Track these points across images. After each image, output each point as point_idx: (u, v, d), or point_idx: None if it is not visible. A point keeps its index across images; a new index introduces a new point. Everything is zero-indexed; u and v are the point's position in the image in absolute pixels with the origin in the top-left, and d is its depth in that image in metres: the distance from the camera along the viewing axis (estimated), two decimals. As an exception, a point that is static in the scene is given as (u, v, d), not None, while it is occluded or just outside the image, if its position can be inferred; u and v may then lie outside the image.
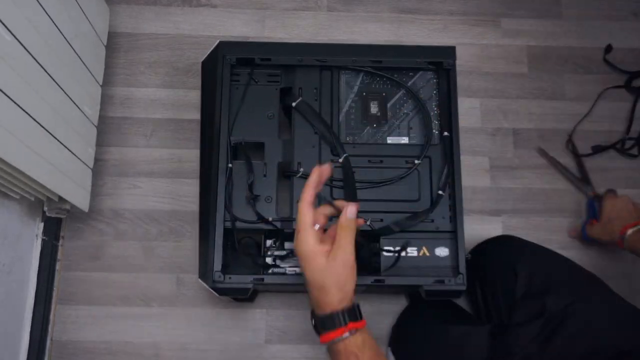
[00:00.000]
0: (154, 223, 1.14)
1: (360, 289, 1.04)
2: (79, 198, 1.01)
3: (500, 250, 1.01)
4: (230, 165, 0.95)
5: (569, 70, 1.27)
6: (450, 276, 0.92)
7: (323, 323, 0.67)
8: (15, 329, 0.98)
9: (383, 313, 1.11)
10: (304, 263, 0.67)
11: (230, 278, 0.91)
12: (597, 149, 1.21)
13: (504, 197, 1.18)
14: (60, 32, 0.93)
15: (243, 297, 0.94)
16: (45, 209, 1.00)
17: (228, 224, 0.94)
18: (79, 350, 1.08)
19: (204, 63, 1.04)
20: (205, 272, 0.92)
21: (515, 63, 1.27)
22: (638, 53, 1.28)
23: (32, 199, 0.94)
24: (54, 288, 1.09)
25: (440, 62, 1.01)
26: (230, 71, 0.99)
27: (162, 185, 1.16)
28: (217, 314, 1.09)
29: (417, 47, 1.04)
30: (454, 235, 0.95)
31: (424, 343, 0.95)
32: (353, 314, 0.67)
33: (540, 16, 1.30)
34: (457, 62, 1.25)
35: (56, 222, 1.10)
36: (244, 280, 0.91)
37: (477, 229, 1.16)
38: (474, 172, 1.20)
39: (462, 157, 1.20)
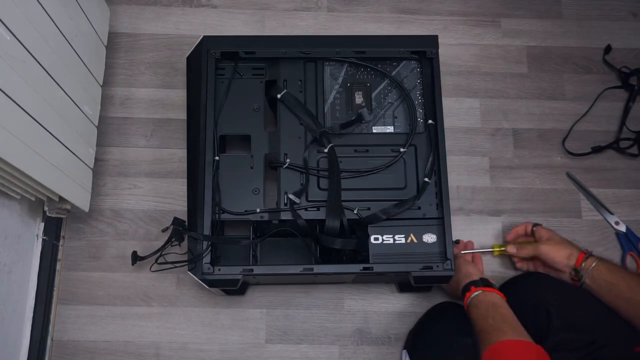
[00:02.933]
0: (154, 223, 1.14)
1: (349, 278, 1.05)
2: (80, 198, 1.01)
3: (530, 287, 1.01)
4: (217, 158, 0.96)
5: (569, 70, 1.27)
6: (439, 262, 0.93)
7: (465, 288, 0.96)
8: (15, 328, 0.99)
9: (381, 313, 1.12)
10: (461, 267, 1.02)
11: (219, 270, 0.92)
12: (597, 149, 1.21)
13: (503, 197, 1.19)
14: (61, 32, 0.94)
15: (233, 288, 0.95)
16: (46, 209, 1.00)
17: (218, 217, 0.95)
18: (79, 350, 1.08)
19: (188, 58, 1.04)
20: (194, 264, 0.92)
21: (515, 63, 1.27)
22: (637, 53, 1.28)
23: (33, 199, 0.94)
24: (55, 288, 1.09)
25: (423, 51, 1.02)
26: (215, 65, 1.00)
27: (162, 185, 1.16)
28: (217, 314, 1.09)
29: (400, 36, 1.05)
30: (441, 222, 0.95)
31: (442, 354, 0.95)
32: (482, 282, 0.95)
33: (540, 16, 1.30)
34: (457, 62, 1.26)
35: (57, 222, 1.10)
36: (233, 271, 0.92)
37: (477, 228, 1.16)
38: (474, 172, 1.20)
39: (461, 157, 1.21)
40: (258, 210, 0.96)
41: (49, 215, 1.01)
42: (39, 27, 0.86)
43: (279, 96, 0.99)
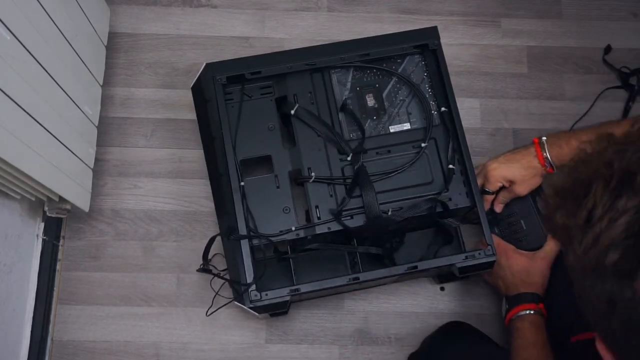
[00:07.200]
0: (155, 223, 1.14)
1: (393, 280, 1.05)
2: (80, 198, 1.01)
3: None
4: (242, 183, 0.96)
5: (569, 70, 1.27)
6: (480, 250, 0.94)
7: (522, 298, 0.93)
8: (15, 328, 0.99)
9: (381, 313, 1.12)
10: (509, 262, 0.98)
11: (266, 294, 0.90)
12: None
13: (504, 197, 1.19)
14: (61, 32, 0.94)
15: (282, 310, 0.94)
16: (46, 208, 1.00)
17: (253, 242, 0.94)
18: (79, 350, 1.08)
19: (193, 88, 1.03)
20: (240, 294, 0.91)
21: (515, 63, 1.27)
22: (637, 53, 1.28)
23: (33, 199, 0.94)
24: (55, 288, 1.09)
25: (425, 44, 1.02)
26: (223, 91, 0.99)
27: (162, 185, 1.16)
28: (217, 314, 1.09)
29: (400, 33, 1.05)
30: (474, 210, 0.96)
31: None
32: (544, 300, 0.93)
33: (540, 16, 1.30)
34: (457, 62, 1.26)
35: (57, 222, 1.10)
36: (280, 294, 0.91)
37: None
38: (474, 172, 1.20)
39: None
40: (293, 228, 0.95)
41: (49, 215, 1.01)
42: (39, 27, 0.86)
43: (292, 112, 0.99)
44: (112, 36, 1.21)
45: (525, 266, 0.96)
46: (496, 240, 0.98)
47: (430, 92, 1.02)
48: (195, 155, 1.17)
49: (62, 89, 0.94)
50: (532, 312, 0.92)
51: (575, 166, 0.49)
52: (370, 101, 1.02)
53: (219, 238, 0.98)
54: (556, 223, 0.49)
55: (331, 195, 0.97)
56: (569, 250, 0.48)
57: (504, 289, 0.98)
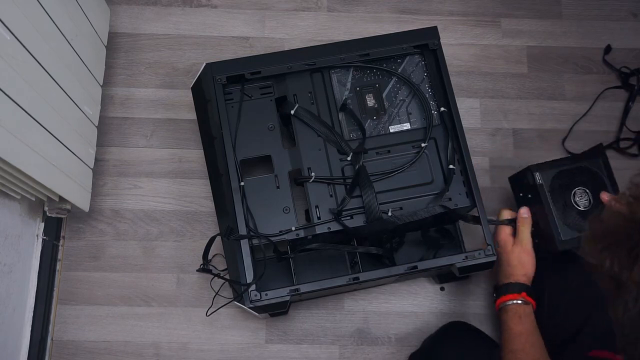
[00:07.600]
0: (155, 223, 1.14)
1: (393, 280, 1.05)
2: (80, 198, 1.01)
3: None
4: (242, 183, 0.96)
5: (569, 70, 1.27)
6: (479, 250, 0.94)
7: (503, 289, 0.93)
8: (16, 328, 0.99)
9: (381, 313, 1.12)
10: (501, 249, 0.97)
11: (266, 295, 0.90)
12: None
13: (504, 198, 1.18)
14: (61, 32, 0.94)
15: (282, 310, 0.94)
16: (46, 209, 1.00)
17: (252, 242, 0.94)
18: (79, 350, 1.08)
19: (193, 88, 1.03)
20: (240, 294, 0.91)
21: (515, 63, 1.27)
22: (637, 53, 1.28)
23: (33, 199, 0.94)
24: (55, 288, 1.09)
25: (425, 44, 1.02)
26: (222, 91, 0.99)
27: (162, 185, 1.16)
28: (217, 314, 1.09)
29: (400, 33, 1.05)
30: (475, 210, 0.97)
31: None
32: (527, 289, 0.92)
33: (540, 16, 1.30)
34: (457, 62, 1.26)
35: (57, 222, 1.10)
36: (280, 294, 0.91)
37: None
38: (474, 172, 1.20)
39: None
40: (293, 228, 0.95)
41: (49, 215, 1.01)
42: (39, 27, 0.86)
43: (292, 112, 0.99)
44: (112, 36, 1.21)
45: (520, 257, 0.96)
46: (503, 233, 0.98)
47: (430, 92, 1.03)
48: (195, 155, 1.17)
49: (62, 89, 0.94)
50: (515, 302, 0.91)
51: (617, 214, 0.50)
52: (370, 101, 1.02)
53: (219, 238, 0.98)
54: (603, 268, 0.47)
55: (331, 195, 0.97)
56: (619, 300, 0.46)
57: (498, 280, 0.98)
